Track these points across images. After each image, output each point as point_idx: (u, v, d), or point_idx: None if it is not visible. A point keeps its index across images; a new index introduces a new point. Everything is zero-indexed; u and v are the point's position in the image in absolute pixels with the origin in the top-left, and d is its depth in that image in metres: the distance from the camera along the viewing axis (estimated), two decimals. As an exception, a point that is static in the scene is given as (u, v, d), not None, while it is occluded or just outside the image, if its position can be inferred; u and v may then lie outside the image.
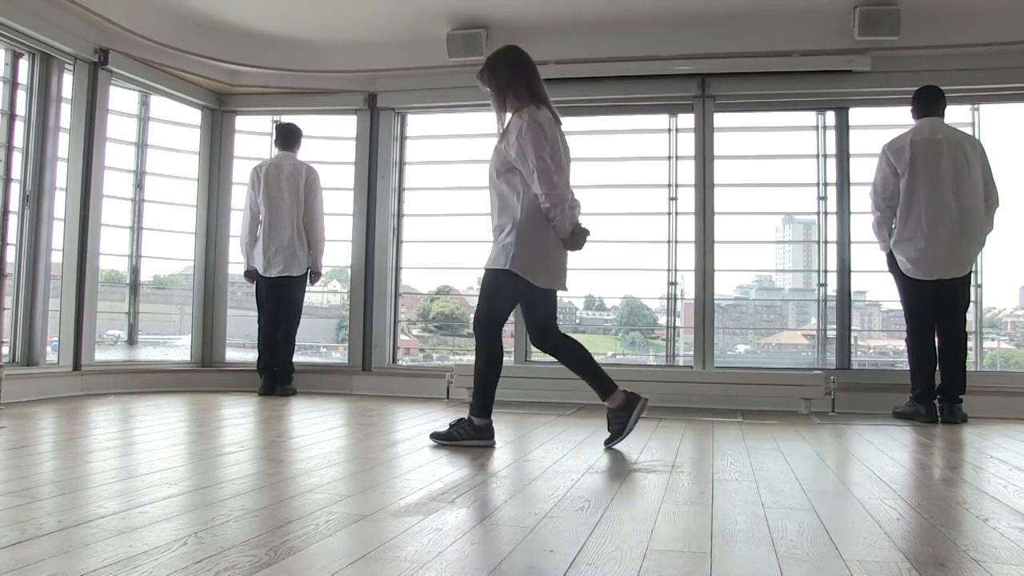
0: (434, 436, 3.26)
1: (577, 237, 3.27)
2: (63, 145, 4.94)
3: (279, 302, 5.31)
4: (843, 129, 5.29)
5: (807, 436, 3.75)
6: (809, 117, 5.41)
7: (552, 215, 3.15)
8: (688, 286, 5.43)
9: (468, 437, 3.18)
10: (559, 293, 3.45)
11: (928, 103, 4.50)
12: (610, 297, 6.22)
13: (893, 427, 4.17)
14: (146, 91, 5.55)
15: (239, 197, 5.76)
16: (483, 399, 3.18)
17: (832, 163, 5.30)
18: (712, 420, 4.31)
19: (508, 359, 5.79)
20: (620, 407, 3.21)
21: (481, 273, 3.38)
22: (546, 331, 3.33)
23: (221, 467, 2.72)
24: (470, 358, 6.23)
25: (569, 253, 3.35)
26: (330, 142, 6.05)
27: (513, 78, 3.20)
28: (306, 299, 5.59)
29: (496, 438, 3.27)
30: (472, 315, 3.43)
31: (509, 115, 3.25)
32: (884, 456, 3.18)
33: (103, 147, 5.13)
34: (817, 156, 5.37)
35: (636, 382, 5.02)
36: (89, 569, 1.48)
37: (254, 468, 2.69)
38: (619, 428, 3.20)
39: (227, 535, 1.76)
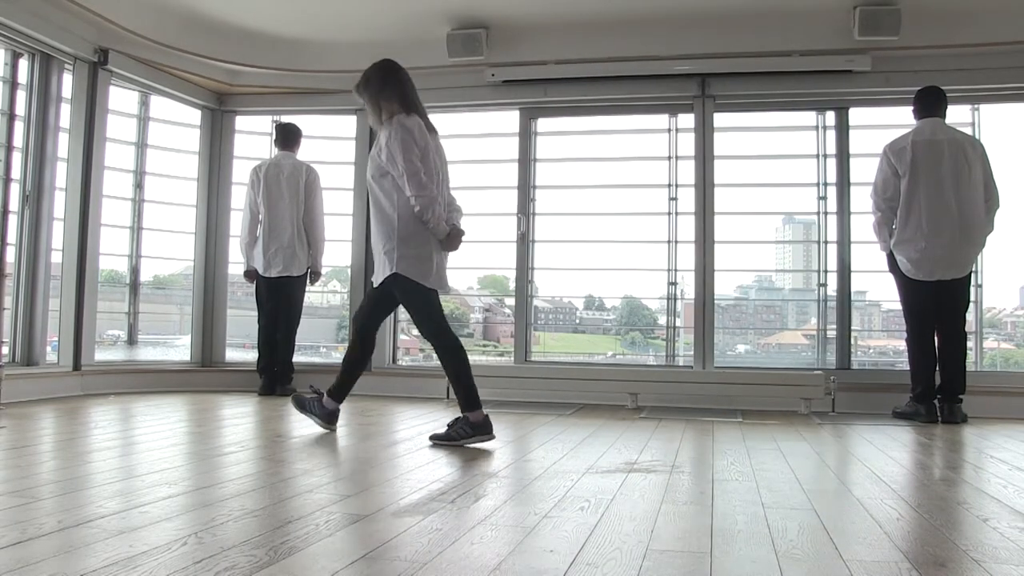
0: (433, 438, 3.28)
1: (453, 238, 3.39)
2: (63, 145, 4.94)
3: (279, 302, 5.31)
4: (843, 129, 5.29)
5: (807, 436, 3.75)
6: (809, 117, 5.41)
7: (424, 217, 3.26)
8: (688, 286, 5.43)
9: (467, 436, 3.21)
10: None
11: (930, 104, 4.50)
12: (610, 297, 6.23)
13: (893, 427, 4.17)
14: (146, 91, 5.55)
15: (239, 197, 5.76)
16: (469, 392, 3.30)
17: (832, 163, 5.30)
18: (712, 420, 4.31)
19: (508, 359, 5.81)
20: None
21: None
22: (368, 327, 3.51)
23: (221, 467, 2.72)
24: (470, 358, 6.23)
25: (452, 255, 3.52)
26: (330, 142, 6.05)
27: (385, 89, 3.37)
28: (306, 299, 5.59)
29: (497, 437, 3.27)
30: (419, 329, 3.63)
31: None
32: (884, 456, 3.18)
33: (103, 147, 5.13)
34: (817, 156, 5.37)
35: (636, 382, 5.06)
36: (89, 569, 1.48)
37: (254, 468, 2.69)
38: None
39: (227, 535, 1.76)
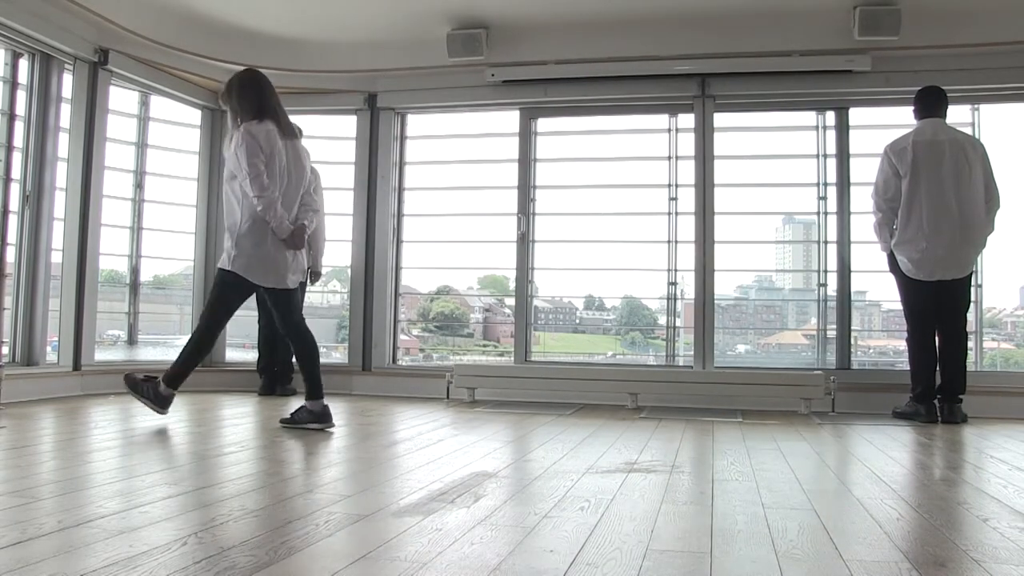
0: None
1: (296, 236, 3.65)
2: (63, 145, 4.94)
3: (279, 302, 5.30)
4: (843, 129, 5.29)
5: (807, 436, 3.75)
6: (809, 117, 5.41)
7: (267, 217, 3.52)
8: (688, 286, 5.44)
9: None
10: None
11: (931, 104, 4.50)
12: (610, 297, 6.23)
13: (893, 427, 4.17)
14: (146, 91, 5.55)
15: (239, 197, 5.75)
16: (183, 369, 3.69)
17: (832, 163, 5.30)
18: (712, 420, 4.31)
19: (508, 359, 5.81)
20: (316, 412, 3.63)
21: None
22: (284, 322, 3.76)
23: (221, 467, 2.72)
24: (470, 358, 6.25)
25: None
26: (330, 142, 6.05)
27: (242, 99, 3.63)
28: (306, 299, 5.58)
29: (495, 438, 3.26)
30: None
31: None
32: (884, 456, 3.18)
33: (103, 147, 5.12)
34: (817, 156, 5.37)
35: (636, 382, 5.06)
36: (89, 569, 1.48)
37: (254, 468, 2.69)
38: (297, 420, 3.64)
39: (227, 535, 1.76)
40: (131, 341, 5.65)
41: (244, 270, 3.57)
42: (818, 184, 5.35)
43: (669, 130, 5.55)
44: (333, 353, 6.46)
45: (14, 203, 4.74)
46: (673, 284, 5.49)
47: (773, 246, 5.87)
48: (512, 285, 5.72)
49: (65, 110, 4.96)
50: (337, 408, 4.60)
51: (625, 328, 6.23)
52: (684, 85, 5.35)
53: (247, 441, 3.35)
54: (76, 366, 4.93)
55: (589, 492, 2.33)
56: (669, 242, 5.48)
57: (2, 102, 4.69)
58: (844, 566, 1.62)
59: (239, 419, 4.08)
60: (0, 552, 1.58)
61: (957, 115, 4.96)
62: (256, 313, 5.44)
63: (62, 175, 4.94)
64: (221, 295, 3.67)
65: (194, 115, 5.91)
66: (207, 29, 5.35)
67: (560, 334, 6.26)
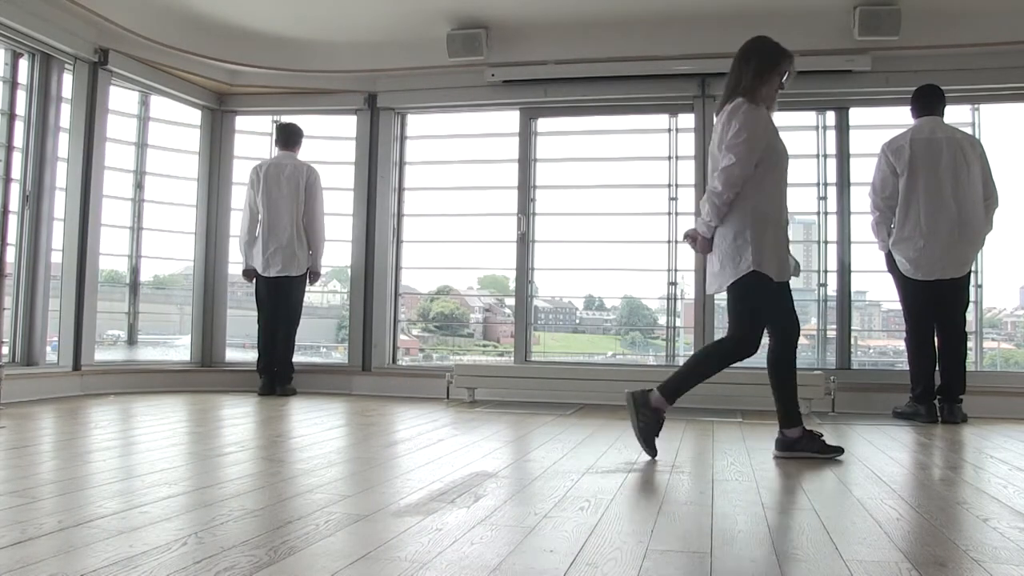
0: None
1: None
2: (63, 145, 4.94)
3: (279, 302, 5.31)
4: (843, 129, 5.29)
5: (807, 436, 3.74)
6: (809, 117, 5.41)
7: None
8: (688, 286, 5.43)
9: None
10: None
11: (928, 102, 4.49)
12: (610, 297, 6.22)
13: (893, 427, 4.17)
14: (146, 91, 5.55)
15: (239, 197, 5.76)
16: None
17: (832, 163, 5.30)
18: (712, 420, 4.31)
19: (508, 359, 5.81)
20: None
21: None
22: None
23: (221, 467, 2.72)
24: (470, 358, 6.25)
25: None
26: (330, 142, 6.05)
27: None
28: (306, 299, 5.59)
29: (495, 438, 3.26)
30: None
31: None
32: (884, 456, 3.18)
33: (103, 147, 5.13)
34: (817, 156, 5.37)
35: (637, 382, 5.04)
36: (89, 569, 1.48)
37: (254, 468, 2.69)
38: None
39: (227, 535, 1.76)
40: (131, 341, 5.65)
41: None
42: (818, 184, 5.35)
43: (669, 130, 5.55)
44: (333, 353, 6.47)
45: (14, 203, 4.74)
46: (673, 284, 5.49)
47: (773, 246, 5.86)
48: (512, 285, 5.73)
49: (65, 110, 4.96)
50: (337, 408, 4.61)
51: (625, 328, 6.23)
52: (684, 85, 5.35)
53: (247, 441, 3.35)
54: (76, 366, 4.93)
55: (589, 492, 2.33)
56: (669, 242, 5.48)
57: (2, 102, 4.69)
58: (844, 566, 1.62)
59: (239, 419, 4.08)
60: (0, 552, 1.58)
61: (957, 115, 4.96)
62: (256, 313, 5.44)
63: (62, 175, 4.94)
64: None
65: (194, 115, 5.91)
66: (207, 29, 5.35)
67: (560, 334, 6.26)
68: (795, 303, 3.29)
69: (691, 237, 3.30)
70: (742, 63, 3.14)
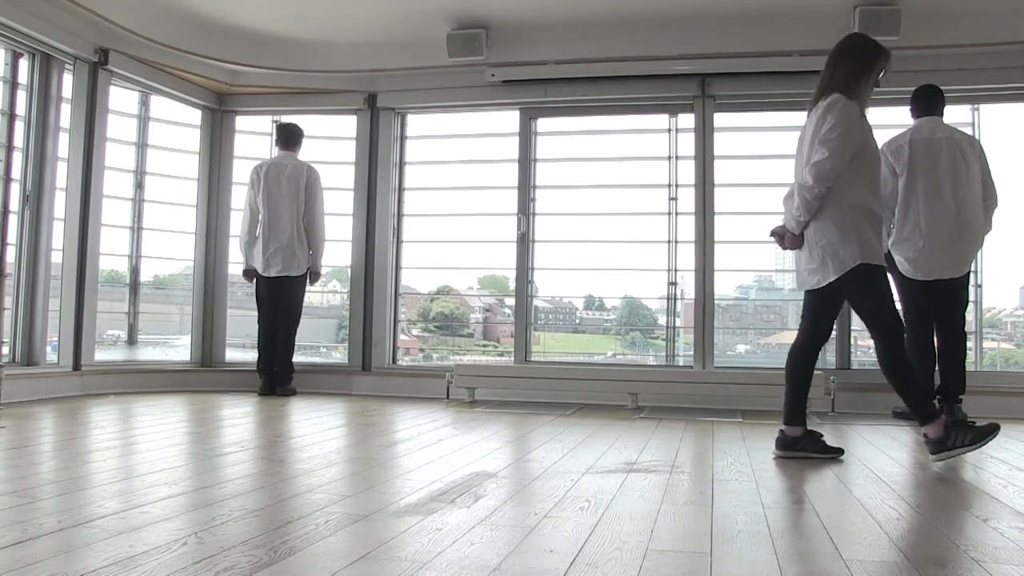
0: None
1: None
2: (63, 145, 4.94)
3: (279, 302, 5.32)
4: (843, 129, 5.27)
5: (807, 436, 3.74)
6: (809, 117, 5.40)
7: None
8: (688, 286, 5.43)
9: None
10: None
11: (927, 102, 4.49)
12: (610, 297, 6.22)
13: (893, 427, 4.17)
14: (146, 91, 5.55)
15: (239, 197, 5.76)
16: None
17: (832, 163, 5.29)
18: (712, 420, 4.31)
19: (508, 359, 5.81)
20: None
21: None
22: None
23: (221, 467, 2.72)
24: (470, 358, 6.25)
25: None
26: (330, 142, 6.05)
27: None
28: (306, 299, 5.59)
29: (495, 438, 3.27)
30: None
31: None
32: (884, 456, 3.18)
33: (103, 147, 5.13)
34: (817, 156, 5.35)
35: (636, 382, 5.06)
36: (89, 569, 1.48)
37: (254, 468, 2.69)
38: None
39: (227, 535, 1.76)
40: (131, 341, 5.65)
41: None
42: (818, 184, 5.34)
43: (669, 130, 5.55)
44: (333, 353, 6.47)
45: (14, 203, 4.74)
46: (673, 284, 5.49)
47: (773, 246, 5.84)
48: (512, 285, 5.73)
49: (65, 110, 4.96)
50: (337, 408, 4.61)
51: (625, 328, 6.23)
52: (684, 85, 5.35)
53: (247, 441, 3.35)
54: (76, 366, 4.93)
55: (589, 492, 2.33)
56: (669, 242, 5.48)
57: (2, 102, 4.69)
58: (844, 566, 1.62)
59: (239, 419, 4.08)
60: (0, 552, 1.58)
61: (957, 115, 4.96)
62: (256, 313, 5.44)
63: (62, 175, 4.94)
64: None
65: (194, 115, 5.91)
66: (207, 29, 5.35)
67: (560, 334, 6.26)
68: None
69: (778, 234, 3.26)
70: (838, 60, 3.12)
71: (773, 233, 3.31)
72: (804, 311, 3.29)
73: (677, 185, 5.48)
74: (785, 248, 3.29)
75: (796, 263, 3.26)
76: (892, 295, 3.10)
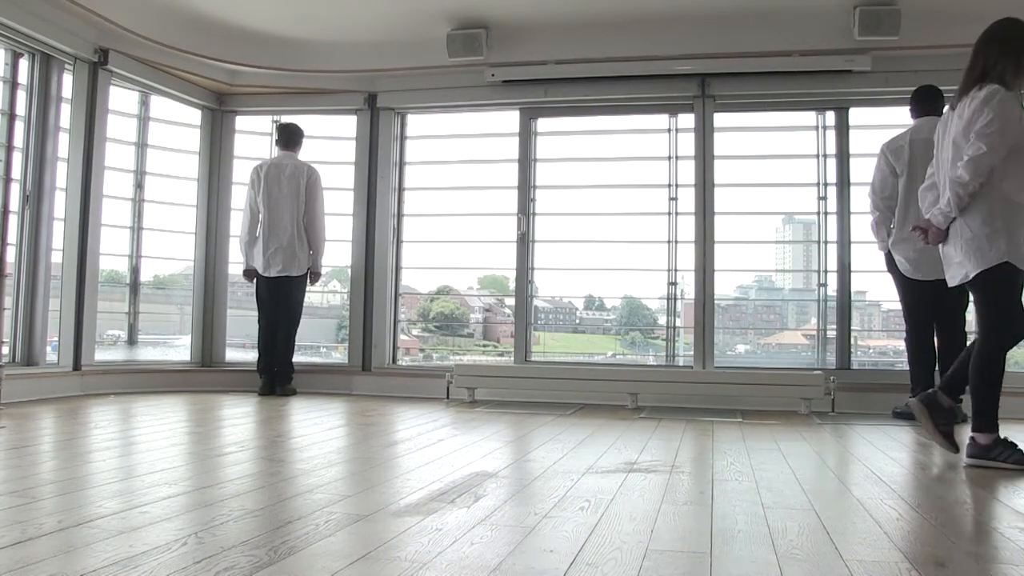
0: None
1: None
2: (63, 145, 4.94)
3: (279, 302, 5.32)
4: (843, 129, 5.28)
5: (807, 436, 3.75)
6: (809, 117, 5.40)
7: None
8: (688, 286, 5.43)
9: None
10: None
11: (927, 102, 4.49)
12: (610, 297, 6.22)
13: (893, 427, 4.17)
14: (146, 91, 5.55)
15: (239, 197, 5.76)
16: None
17: (832, 163, 5.30)
18: (712, 420, 4.31)
19: (508, 359, 5.81)
20: None
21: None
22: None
23: (221, 467, 2.72)
24: (470, 358, 6.25)
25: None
26: (330, 142, 6.05)
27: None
28: (306, 299, 5.59)
29: (495, 438, 3.27)
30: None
31: None
32: (884, 456, 3.18)
33: (103, 147, 5.12)
34: (817, 156, 5.36)
35: (636, 382, 5.06)
36: (89, 569, 1.48)
37: (254, 468, 2.69)
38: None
39: (227, 535, 1.76)
40: (131, 341, 5.65)
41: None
42: (818, 184, 5.35)
43: (669, 130, 5.55)
44: (333, 353, 6.47)
45: (14, 203, 4.74)
46: (673, 284, 5.49)
47: (773, 246, 5.87)
48: (512, 285, 5.73)
49: (65, 110, 4.96)
50: (337, 408, 4.61)
51: (625, 328, 6.23)
52: (684, 85, 5.35)
53: (247, 441, 3.35)
54: (76, 366, 4.93)
55: (589, 492, 2.33)
56: (669, 242, 5.48)
57: (2, 102, 4.69)
58: (844, 566, 1.62)
59: (239, 419, 4.08)
60: (0, 552, 1.58)
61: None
62: (256, 313, 5.44)
63: (62, 175, 4.94)
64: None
65: (194, 115, 5.91)
66: (207, 29, 5.35)
67: (560, 334, 6.26)
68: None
69: (921, 228, 3.15)
70: (991, 47, 2.96)
71: (915, 228, 3.21)
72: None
73: (677, 185, 5.48)
74: (928, 243, 3.18)
75: (944, 257, 3.11)
76: (1013, 299, 2.95)
